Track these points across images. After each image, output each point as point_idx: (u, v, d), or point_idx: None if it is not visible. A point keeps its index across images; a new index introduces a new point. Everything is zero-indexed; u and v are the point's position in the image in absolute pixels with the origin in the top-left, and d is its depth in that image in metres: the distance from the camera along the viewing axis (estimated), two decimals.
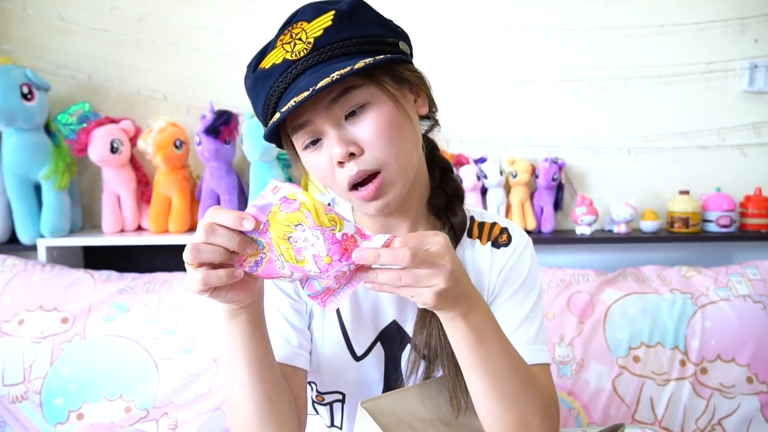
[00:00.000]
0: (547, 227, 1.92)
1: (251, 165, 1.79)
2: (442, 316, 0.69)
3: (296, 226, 0.61)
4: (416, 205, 0.86)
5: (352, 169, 0.73)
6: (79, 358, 1.51)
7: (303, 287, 0.65)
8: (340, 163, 0.74)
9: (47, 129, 1.75)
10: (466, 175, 1.85)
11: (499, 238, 0.89)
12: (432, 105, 0.84)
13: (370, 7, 0.77)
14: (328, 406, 0.91)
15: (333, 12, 0.73)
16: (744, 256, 1.93)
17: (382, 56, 0.72)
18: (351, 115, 0.74)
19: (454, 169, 1.00)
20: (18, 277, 1.61)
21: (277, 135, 0.80)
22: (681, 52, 1.92)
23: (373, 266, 0.62)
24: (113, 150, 1.74)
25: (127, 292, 1.61)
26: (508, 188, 1.94)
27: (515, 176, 1.89)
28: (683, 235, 1.89)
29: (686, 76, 1.93)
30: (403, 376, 0.87)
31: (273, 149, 1.75)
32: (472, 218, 0.90)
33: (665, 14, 1.91)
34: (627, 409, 1.54)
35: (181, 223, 1.81)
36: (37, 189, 1.75)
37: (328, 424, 0.93)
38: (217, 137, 1.72)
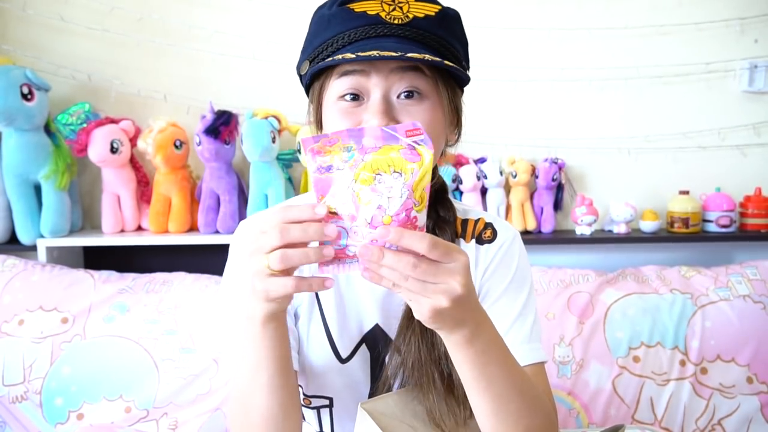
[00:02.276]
0: (547, 227, 1.92)
1: (251, 165, 1.78)
2: (443, 336, 0.66)
3: (396, 172, 0.57)
4: None
5: None
6: (79, 358, 1.51)
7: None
8: None
9: (47, 129, 1.75)
10: (466, 175, 1.85)
11: (483, 234, 0.86)
12: (457, 137, 0.85)
13: (464, 29, 0.80)
14: (315, 411, 0.90)
15: (440, 7, 0.75)
16: (744, 256, 1.93)
17: (465, 72, 0.74)
18: (406, 96, 0.73)
19: (452, 176, 0.99)
20: (18, 277, 1.61)
21: (309, 74, 0.78)
22: (681, 52, 1.92)
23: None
24: (113, 150, 1.73)
25: (127, 292, 1.61)
26: (508, 188, 1.94)
27: (515, 176, 1.89)
28: (683, 235, 1.89)
29: (686, 76, 1.93)
30: (390, 378, 0.85)
31: (273, 149, 1.75)
32: (452, 208, 0.88)
33: (665, 14, 1.91)
34: (627, 409, 1.54)
35: (181, 223, 1.81)
36: (37, 189, 1.75)
37: (317, 429, 0.92)
38: (217, 137, 1.72)
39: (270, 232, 0.58)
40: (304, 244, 0.59)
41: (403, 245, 0.57)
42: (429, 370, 0.79)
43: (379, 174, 0.57)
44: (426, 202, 0.59)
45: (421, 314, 0.60)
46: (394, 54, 0.68)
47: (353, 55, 0.69)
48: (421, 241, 0.56)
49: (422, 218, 0.59)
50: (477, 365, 0.66)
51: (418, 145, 0.59)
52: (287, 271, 0.60)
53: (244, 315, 0.69)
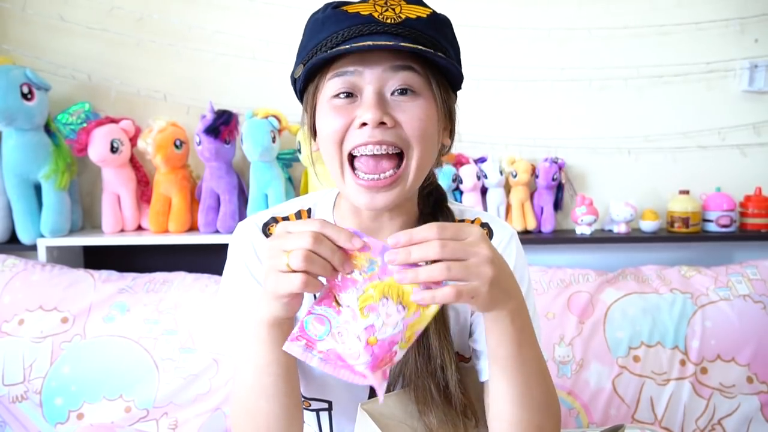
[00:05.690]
0: (547, 227, 1.92)
1: (251, 165, 1.78)
2: (494, 314, 0.67)
3: (401, 304, 0.61)
4: (398, 228, 0.83)
5: (374, 135, 0.71)
6: (79, 358, 1.51)
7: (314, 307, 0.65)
8: (364, 124, 0.72)
9: (47, 129, 1.75)
10: (466, 175, 1.85)
11: None
12: (451, 142, 0.85)
13: (455, 34, 0.80)
14: (314, 413, 0.90)
15: (431, 11, 0.76)
16: (744, 255, 1.93)
17: (458, 68, 0.75)
18: (399, 93, 0.73)
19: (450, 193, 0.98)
20: (18, 277, 1.61)
21: (303, 78, 0.78)
22: (681, 52, 1.92)
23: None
24: (113, 150, 1.74)
25: (127, 292, 1.61)
26: (508, 188, 1.94)
27: (515, 176, 1.89)
28: (683, 235, 1.89)
29: (686, 76, 1.93)
30: (390, 386, 0.84)
31: (273, 149, 1.75)
32: (451, 216, 0.88)
33: (665, 14, 1.91)
34: (627, 409, 1.54)
35: (181, 223, 1.81)
36: (37, 189, 1.75)
37: (316, 431, 0.92)
38: (217, 137, 1.72)
39: (303, 235, 0.61)
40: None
41: (416, 240, 0.60)
42: (426, 382, 0.79)
43: (385, 298, 0.61)
44: (410, 344, 0.62)
45: (479, 298, 0.62)
46: (388, 43, 0.69)
47: (347, 46, 0.70)
48: (429, 230, 0.60)
49: (400, 355, 0.62)
50: (515, 343, 0.68)
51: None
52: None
53: (253, 317, 0.70)
